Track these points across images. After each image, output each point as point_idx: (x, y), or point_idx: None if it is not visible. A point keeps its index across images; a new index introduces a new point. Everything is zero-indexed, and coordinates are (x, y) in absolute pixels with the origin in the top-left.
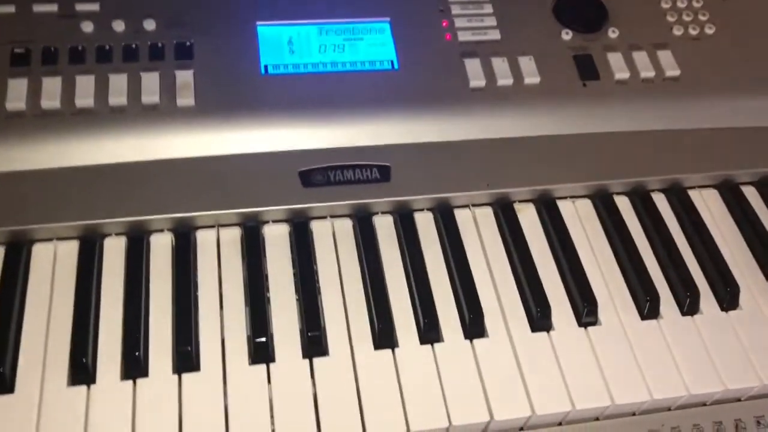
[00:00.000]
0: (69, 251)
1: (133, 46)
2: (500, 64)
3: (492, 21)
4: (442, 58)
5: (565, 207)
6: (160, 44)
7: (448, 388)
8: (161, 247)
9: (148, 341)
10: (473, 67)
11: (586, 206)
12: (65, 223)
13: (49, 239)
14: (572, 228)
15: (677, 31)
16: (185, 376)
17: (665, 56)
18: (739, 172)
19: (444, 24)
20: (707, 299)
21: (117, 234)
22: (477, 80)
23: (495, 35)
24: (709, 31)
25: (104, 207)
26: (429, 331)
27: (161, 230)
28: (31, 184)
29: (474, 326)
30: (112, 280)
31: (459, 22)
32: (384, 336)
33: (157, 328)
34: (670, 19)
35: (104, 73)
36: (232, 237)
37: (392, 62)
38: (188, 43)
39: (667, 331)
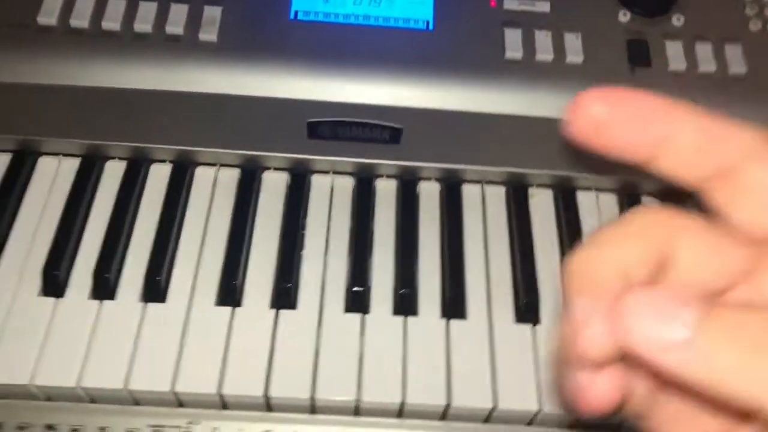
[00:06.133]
0: (71, 168)
1: None
2: (543, 38)
3: None
4: (482, 24)
5: (585, 196)
6: None
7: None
8: (160, 177)
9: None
10: (513, 37)
11: (610, 200)
12: (70, 139)
13: (55, 154)
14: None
15: (754, 27)
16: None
17: (733, 51)
18: None
19: None
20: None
21: (119, 158)
22: (513, 51)
23: (544, 7)
24: None
25: (109, 129)
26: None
27: (164, 161)
28: (48, 97)
29: (454, 306)
30: (103, 202)
31: None
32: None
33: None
34: (748, 12)
35: None
36: (230, 177)
37: (427, 22)
38: None
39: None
